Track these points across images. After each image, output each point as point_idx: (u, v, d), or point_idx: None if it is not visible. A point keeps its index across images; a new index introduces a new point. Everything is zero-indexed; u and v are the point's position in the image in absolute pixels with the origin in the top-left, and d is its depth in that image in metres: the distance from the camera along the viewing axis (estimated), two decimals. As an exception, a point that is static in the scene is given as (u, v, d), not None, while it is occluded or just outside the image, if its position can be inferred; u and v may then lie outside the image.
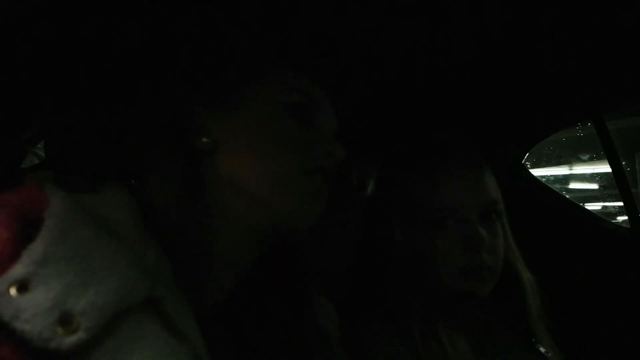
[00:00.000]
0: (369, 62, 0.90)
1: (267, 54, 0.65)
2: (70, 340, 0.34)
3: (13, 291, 0.34)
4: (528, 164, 1.52)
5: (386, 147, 1.29)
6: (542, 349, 0.83)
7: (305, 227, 0.56)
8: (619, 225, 1.41)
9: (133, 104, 0.59)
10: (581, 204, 1.48)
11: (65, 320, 0.34)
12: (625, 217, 1.37)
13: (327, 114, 0.62)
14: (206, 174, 0.53)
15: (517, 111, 1.22)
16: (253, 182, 0.53)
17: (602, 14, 0.79)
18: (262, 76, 0.59)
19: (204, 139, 0.54)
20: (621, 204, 1.37)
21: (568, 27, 0.82)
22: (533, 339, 0.84)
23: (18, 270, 0.34)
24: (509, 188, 1.46)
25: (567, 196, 1.51)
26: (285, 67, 0.61)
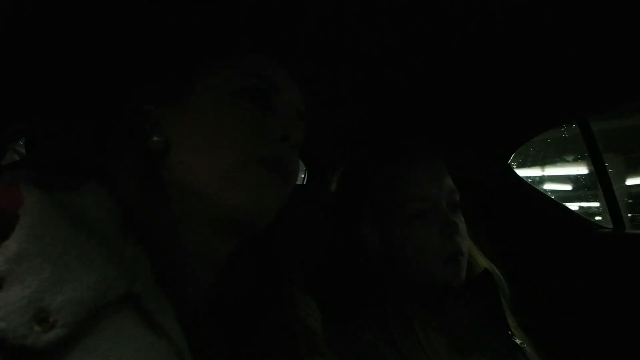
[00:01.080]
0: (353, 57, 0.89)
1: (223, 40, 0.62)
2: (47, 337, 0.34)
3: None
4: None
5: (364, 144, 1.30)
6: (517, 341, 0.85)
7: (262, 221, 0.54)
8: (601, 225, 1.44)
9: (99, 104, 0.59)
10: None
11: (42, 317, 0.34)
12: (600, 218, 1.40)
13: (289, 96, 0.59)
14: (164, 173, 0.52)
15: (505, 111, 1.23)
16: (204, 178, 0.51)
17: (591, 18, 0.79)
18: (214, 66, 0.57)
19: (156, 138, 0.53)
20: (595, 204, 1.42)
21: (558, 29, 0.82)
22: (509, 332, 0.86)
23: None
24: (496, 187, 1.49)
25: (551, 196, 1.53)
26: (243, 51, 0.59)
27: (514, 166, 1.55)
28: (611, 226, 1.40)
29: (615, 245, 1.36)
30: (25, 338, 0.33)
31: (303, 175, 1.76)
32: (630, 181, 4.05)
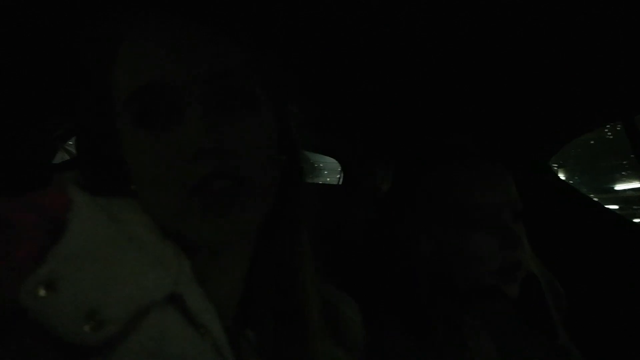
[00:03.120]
0: (393, 58, 0.89)
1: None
2: (97, 335, 0.35)
3: (41, 290, 0.35)
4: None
5: (404, 147, 1.28)
6: (564, 347, 0.82)
7: (235, 242, 0.49)
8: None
9: None
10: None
11: (91, 317, 0.35)
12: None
13: (188, 90, 0.45)
14: None
15: (546, 111, 1.20)
16: (154, 212, 0.46)
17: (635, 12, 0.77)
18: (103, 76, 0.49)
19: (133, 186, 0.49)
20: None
21: (599, 27, 0.80)
22: (555, 337, 0.83)
23: (45, 269, 0.36)
24: (536, 188, 1.45)
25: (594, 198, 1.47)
26: (131, 46, 0.47)
27: (555, 168, 1.51)
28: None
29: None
30: (76, 336, 0.34)
31: (339, 176, 1.77)
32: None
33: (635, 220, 1.41)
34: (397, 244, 0.85)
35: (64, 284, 0.36)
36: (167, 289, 0.40)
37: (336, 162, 1.72)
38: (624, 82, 1.03)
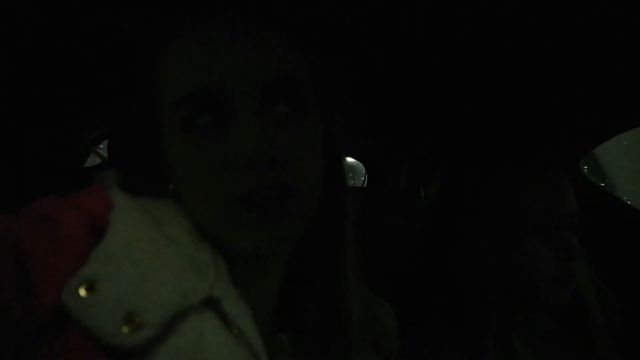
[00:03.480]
0: (435, 59, 0.87)
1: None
2: (135, 337, 0.35)
3: (82, 290, 0.35)
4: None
5: (457, 152, 1.26)
6: None
7: (278, 251, 0.47)
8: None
9: None
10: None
11: (130, 319, 0.35)
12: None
13: (244, 91, 0.44)
14: None
15: (578, 113, 1.17)
16: (200, 220, 0.46)
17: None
18: (153, 78, 0.48)
19: (171, 186, 0.50)
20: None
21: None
22: (594, 352, 0.81)
23: (86, 270, 0.36)
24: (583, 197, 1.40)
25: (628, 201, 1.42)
26: (179, 51, 0.46)
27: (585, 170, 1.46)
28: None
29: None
30: (114, 338, 0.34)
31: (363, 178, 1.77)
32: None
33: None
34: (450, 251, 0.83)
35: (105, 285, 0.36)
36: (204, 292, 0.40)
37: (361, 164, 1.71)
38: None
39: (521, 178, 0.79)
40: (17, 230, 0.37)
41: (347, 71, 0.92)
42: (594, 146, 1.35)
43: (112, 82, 0.74)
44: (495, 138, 1.13)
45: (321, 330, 0.54)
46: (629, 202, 1.39)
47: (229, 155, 0.42)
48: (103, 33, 0.65)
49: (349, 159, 1.76)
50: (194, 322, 0.38)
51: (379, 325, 0.62)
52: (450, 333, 0.75)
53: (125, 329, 0.35)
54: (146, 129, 0.50)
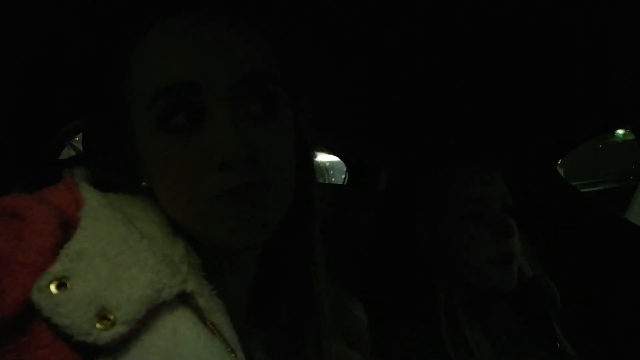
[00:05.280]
0: (406, 58, 0.88)
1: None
2: (108, 334, 0.35)
3: (53, 288, 0.35)
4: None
5: (411, 148, 1.28)
6: (562, 350, 0.83)
7: (258, 243, 0.48)
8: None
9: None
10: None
11: (103, 315, 0.35)
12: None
13: (215, 91, 0.43)
14: None
15: (556, 113, 1.19)
16: (177, 214, 0.46)
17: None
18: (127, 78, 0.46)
19: (143, 183, 0.49)
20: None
21: (617, 29, 0.79)
22: (556, 342, 0.84)
23: (57, 267, 0.36)
24: (544, 192, 1.44)
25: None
26: (155, 46, 0.45)
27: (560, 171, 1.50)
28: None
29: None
30: (88, 335, 0.34)
31: (344, 176, 1.77)
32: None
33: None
34: (401, 240, 0.88)
35: (76, 282, 0.35)
36: (177, 287, 0.40)
37: (342, 162, 1.71)
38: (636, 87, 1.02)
39: (455, 171, 0.87)
40: None
41: (329, 68, 0.93)
42: (568, 148, 1.39)
43: (80, 74, 0.73)
44: (445, 135, 1.17)
45: (294, 324, 0.54)
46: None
47: (204, 155, 0.42)
48: (72, 25, 0.63)
49: (330, 157, 1.77)
50: (168, 318, 0.38)
51: (350, 320, 0.62)
52: (410, 326, 0.79)
53: (98, 326, 0.34)
54: (115, 125, 0.49)
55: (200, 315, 0.40)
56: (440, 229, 0.85)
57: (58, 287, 0.35)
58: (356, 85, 1.02)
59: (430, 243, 0.85)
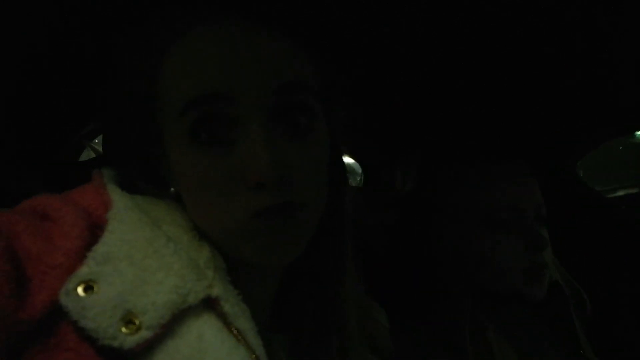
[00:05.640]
0: (422, 59, 0.88)
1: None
2: (134, 339, 0.34)
3: (80, 291, 0.35)
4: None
5: (428, 147, 1.27)
6: (586, 358, 0.81)
7: (291, 260, 0.47)
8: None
9: None
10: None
11: (128, 320, 0.35)
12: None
13: (251, 102, 0.42)
14: None
15: (575, 116, 1.17)
16: (211, 230, 0.45)
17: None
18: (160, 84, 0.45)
19: (172, 189, 0.49)
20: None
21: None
22: (579, 350, 0.82)
23: (84, 270, 0.36)
24: (561, 193, 1.42)
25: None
26: (187, 56, 0.43)
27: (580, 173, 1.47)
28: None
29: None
30: (113, 339, 0.34)
31: (359, 178, 1.76)
32: None
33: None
34: (423, 246, 0.85)
35: (103, 285, 0.35)
36: (203, 292, 0.39)
37: (357, 164, 1.71)
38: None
39: (488, 174, 0.83)
40: (12, 227, 0.37)
41: (351, 72, 0.92)
42: (587, 150, 1.36)
43: (106, 78, 0.74)
44: (465, 134, 1.15)
45: (319, 331, 0.54)
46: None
47: (238, 173, 0.41)
48: (99, 25, 0.64)
49: (346, 159, 1.76)
50: (193, 323, 0.38)
51: (373, 325, 0.62)
52: (432, 331, 0.77)
53: (124, 330, 0.34)
54: (143, 130, 0.48)
55: (225, 320, 0.40)
56: (466, 234, 0.81)
57: (85, 290, 0.35)
58: (377, 86, 1.01)
59: (453, 248, 0.82)
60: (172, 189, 0.49)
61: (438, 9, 0.69)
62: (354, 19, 0.70)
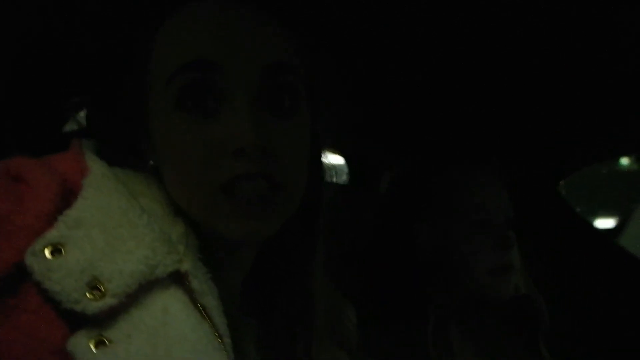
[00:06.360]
0: (418, 59, 0.89)
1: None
2: (97, 304, 0.34)
3: (47, 253, 0.35)
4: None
5: (414, 149, 1.28)
6: None
7: (261, 239, 0.47)
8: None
9: None
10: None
11: (94, 285, 0.35)
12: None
13: (241, 71, 0.43)
14: None
15: (561, 134, 1.19)
16: (183, 202, 0.46)
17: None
18: (151, 53, 0.46)
19: (150, 162, 0.50)
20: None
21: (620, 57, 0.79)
22: (539, 357, 0.85)
23: (53, 233, 0.36)
24: (545, 211, 1.44)
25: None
26: (179, 21, 0.45)
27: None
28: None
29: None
30: (77, 303, 0.34)
31: (345, 177, 1.76)
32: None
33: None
34: (400, 241, 0.89)
35: (71, 249, 0.35)
36: (172, 266, 0.39)
37: (344, 162, 1.71)
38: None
39: (464, 177, 0.88)
40: None
41: (341, 69, 0.93)
42: (572, 171, 1.39)
43: (97, 50, 0.73)
44: (445, 138, 1.17)
45: (287, 319, 0.54)
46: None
47: (219, 141, 0.42)
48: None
49: (333, 157, 1.76)
50: (159, 296, 0.38)
51: (341, 320, 0.62)
52: (397, 328, 0.80)
53: (88, 296, 0.34)
54: (131, 102, 0.49)
55: (192, 296, 0.40)
56: (447, 233, 0.86)
57: (52, 253, 0.35)
58: (362, 85, 1.02)
59: (433, 246, 0.86)
60: (151, 163, 0.48)
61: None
62: (346, 12, 0.71)
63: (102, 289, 0.35)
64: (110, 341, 0.34)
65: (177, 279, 0.40)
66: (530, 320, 0.88)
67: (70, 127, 1.08)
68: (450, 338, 0.79)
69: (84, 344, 0.34)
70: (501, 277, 0.84)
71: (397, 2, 0.70)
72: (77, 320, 0.35)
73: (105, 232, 0.38)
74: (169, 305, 0.38)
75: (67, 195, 0.39)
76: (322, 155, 0.59)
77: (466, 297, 0.84)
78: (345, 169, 1.68)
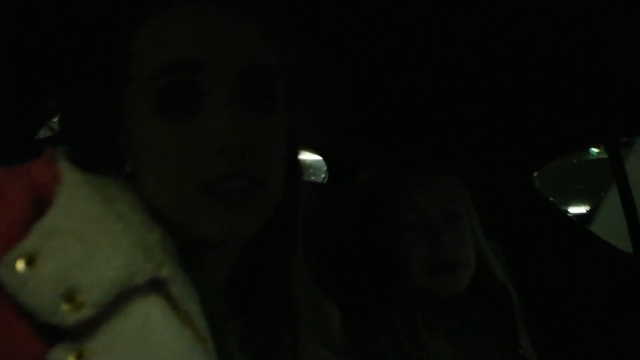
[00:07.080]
0: (397, 60, 0.90)
1: None
2: (75, 316, 0.33)
3: (20, 265, 0.33)
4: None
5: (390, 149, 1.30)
6: (524, 356, 0.86)
7: (239, 239, 0.48)
8: (620, 249, 1.41)
9: None
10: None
11: (70, 296, 0.33)
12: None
13: (222, 70, 0.43)
14: None
15: (532, 127, 1.22)
16: (161, 204, 0.45)
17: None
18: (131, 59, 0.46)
19: (127, 168, 0.48)
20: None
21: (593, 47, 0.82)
22: (519, 348, 0.86)
23: (26, 243, 0.34)
24: (518, 200, 1.47)
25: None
26: (164, 20, 0.45)
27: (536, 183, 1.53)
28: (631, 251, 1.37)
29: (636, 271, 1.33)
30: (53, 316, 0.33)
31: (323, 175, 1.77)
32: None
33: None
34: (365, 244, 0.92)
35: (46, 259, 0.34)
36: (151, 273, 0.38)
37: (321, 162, 1.72)
38: (612, 106, 1.06)
39: (399, 180, 0.89)
40: None
41: (323, 69, 0.93)
42: (545, 161, 1.42)
43: (73, 51, 0.72)
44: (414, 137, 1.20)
45: (271, 319, 0.54)
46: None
47: (198, 141, 0.42)
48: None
49: (311, 156, 1.77)
50: (139, 304, 0.37)
51: (324, 318, 0.62)
52: (375, 327, 0.82)
53: (64, 307, 0.33)
54: (108, 103, 0.48)
55: (173, 303, 0.39)
56: (386, 233, 0.88)
57: (27, 264, 0.33)
58: (342, 85, 1.03)
59: (381, 246, 0.88)
60: (128, 168, 0.48)
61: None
62: (326, 13, 0.71)
63: (80, 300, 0.33)
64: (90, 353, 0.33)
65: (157, 285, 0.39)
66: (507, 310, 0.89)
67: (43, 134, 1.06)
68: (418, 328, 0.80)
69: (63, 359, 0.33)
70: (441, 274, 0.81)
71: (378, 6, 0.71)
72: (55, 333, 0.33)
73: (81, 240, 0.36)
74: (150, 313, 0.37)
75: (41, 204, 0.38)
76: (299, 153, 0.59)
77: (419, 291, 0.85)
78: (324, 168, 1.69)
